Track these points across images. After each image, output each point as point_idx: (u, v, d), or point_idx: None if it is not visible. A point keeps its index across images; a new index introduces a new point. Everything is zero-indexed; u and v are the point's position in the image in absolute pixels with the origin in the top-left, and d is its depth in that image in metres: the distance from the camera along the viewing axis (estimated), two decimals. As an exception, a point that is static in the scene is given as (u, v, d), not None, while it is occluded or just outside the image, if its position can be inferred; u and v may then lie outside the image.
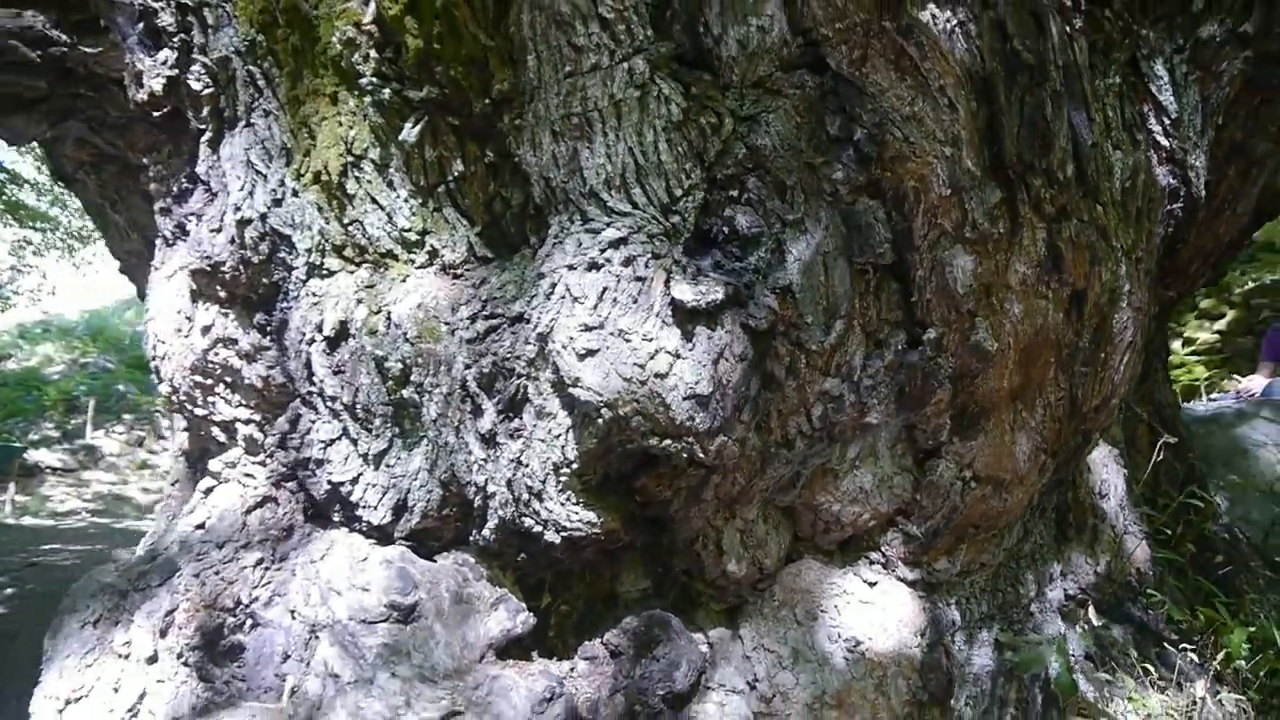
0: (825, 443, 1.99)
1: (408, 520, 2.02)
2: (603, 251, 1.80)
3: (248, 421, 2.25)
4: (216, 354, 2.17)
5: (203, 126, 2.11)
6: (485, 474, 1.91)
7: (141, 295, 2.81)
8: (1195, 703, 2.15)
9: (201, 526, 2.29)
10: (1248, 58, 2.06)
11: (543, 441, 1.87)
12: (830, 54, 1.86)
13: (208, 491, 2.39)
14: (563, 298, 1.80)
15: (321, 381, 2.02)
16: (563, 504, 1.90)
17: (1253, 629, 2.41)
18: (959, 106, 1.77)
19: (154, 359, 2.27)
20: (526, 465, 1.88)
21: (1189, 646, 2.36)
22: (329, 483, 2.06)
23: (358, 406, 1.99)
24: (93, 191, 2.53)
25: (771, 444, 1.97)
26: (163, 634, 2.16)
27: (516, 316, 1.88)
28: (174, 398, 2.27)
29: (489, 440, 1.91)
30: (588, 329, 1.77)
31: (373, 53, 1.90)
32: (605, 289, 1.78)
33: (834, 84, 1.87)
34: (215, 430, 2.29)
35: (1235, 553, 3.01)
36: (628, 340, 1.77)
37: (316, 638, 2.01)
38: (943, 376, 1.89)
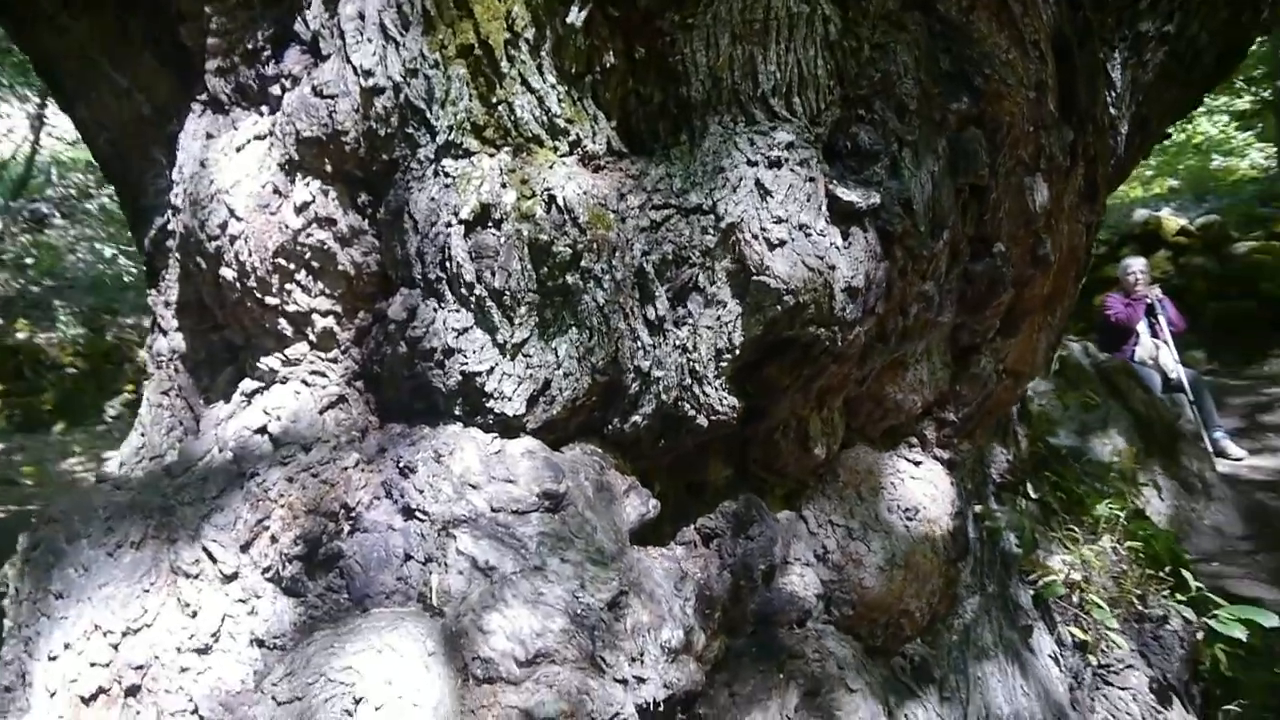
0: (906, 339, 2.30)
1: (546, 410, 2.00)
2: (781, 152, 1.95)
3: (327, 313, 2.05)
4: (309, 235, 1.95)
5: (316, -22, 1.89)
6: (650, 359, 1.97)
7: (116, 178, 2.33)
8: (1106, 551, 2.81)
9: (263, 431, 2.04)
10: (1167, 51, 2.70)
11: (709, 329, 1.97)
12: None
13: (251, 394, 2.12)
14: (751, 191, 1.92)
15: (459, 267, 1.92)
16: (716, 389, 2.02)
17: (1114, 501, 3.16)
18: (1048, 58, 2.16)
19: (216, 239, 1.96)
20: (693, 351, 1.97)
21: (1073, 516, 3.05)
22: (461, 373, 1.96)
23: (506, 294, 1.93)
24: (82, 39, 2.04)
25: (870, 338, 2.24)
26: (245, 548, 1.92)
27: (693, 207, 1.95)
28: (240, 283, 1.99)
29: (656, 326, 1.97)
30: (779, 221, 1.91)
31: (550, -72, 1.86)
32: (791, 185, 1.93)
33: (940, 26, 2.18)
34: (282, 323, 2.04)
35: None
36: (808, 235, 1.95)
37: (450, 535, 1.93)
38: (1008, 283, 2.29)
